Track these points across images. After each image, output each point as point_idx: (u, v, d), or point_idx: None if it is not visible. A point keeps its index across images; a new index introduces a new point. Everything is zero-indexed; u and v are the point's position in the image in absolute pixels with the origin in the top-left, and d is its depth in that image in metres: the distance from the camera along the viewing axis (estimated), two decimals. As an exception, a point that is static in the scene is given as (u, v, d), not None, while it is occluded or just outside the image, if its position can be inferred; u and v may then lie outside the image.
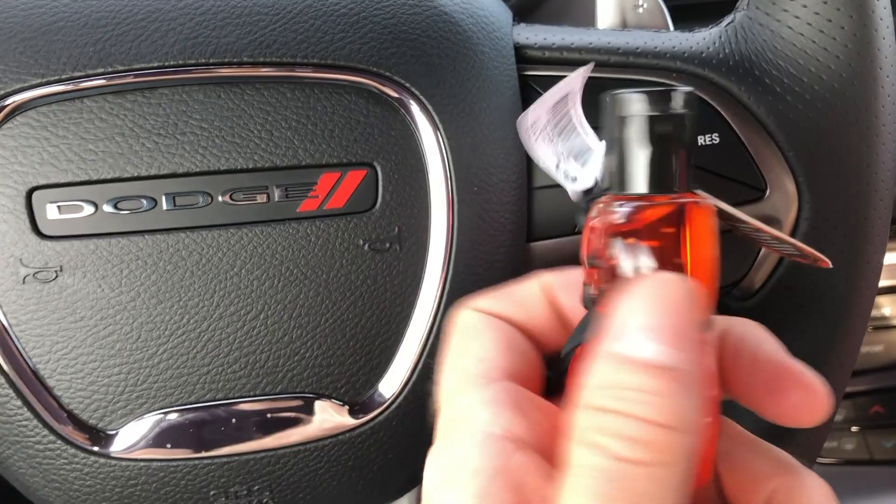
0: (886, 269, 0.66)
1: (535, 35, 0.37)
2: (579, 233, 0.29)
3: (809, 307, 0.37)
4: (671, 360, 0.21)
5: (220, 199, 0.32)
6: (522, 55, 0.36)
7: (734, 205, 0.36)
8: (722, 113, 0.36)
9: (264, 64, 0.32)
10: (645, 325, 0.22)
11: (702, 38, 0.37)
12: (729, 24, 0.37)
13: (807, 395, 0.26)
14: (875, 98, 0.35)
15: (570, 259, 0.37)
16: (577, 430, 0.22)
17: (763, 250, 0.37)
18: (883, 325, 0.66)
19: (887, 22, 0.35)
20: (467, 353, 0.27)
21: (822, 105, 0.35)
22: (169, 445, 0.33)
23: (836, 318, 0.37)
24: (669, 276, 0.22)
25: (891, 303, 0.65)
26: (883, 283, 0.65)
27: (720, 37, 0.37)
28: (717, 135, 0.36)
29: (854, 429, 0.67)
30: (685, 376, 0.21)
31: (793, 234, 0.36)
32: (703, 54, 0.36)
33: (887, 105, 0.35)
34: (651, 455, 0.21)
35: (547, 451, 0.24)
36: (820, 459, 0.66)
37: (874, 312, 0.66)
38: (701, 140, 0.35)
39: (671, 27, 0.42)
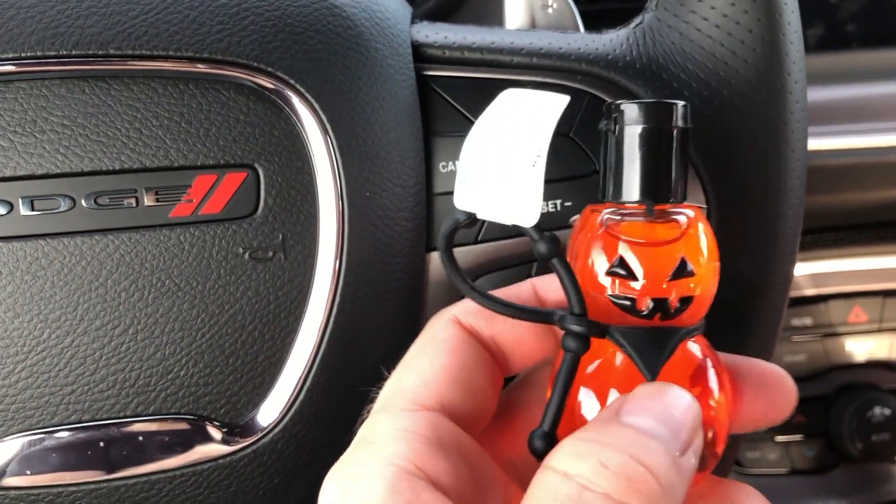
0: (811, 278, 0.65)
1: (435, 33, 0.35)
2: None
3: (719, 318, 0.36)
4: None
5: (83, 203, 0.29)
6: (421, 54, 0.34)
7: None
8: None
9: (133, 57, 0.29)
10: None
11: (609, 40, 0.35)
12: (637, 25, 0.35)
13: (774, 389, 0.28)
14: (783, 104, 0.34)
15: (471, 271, 0.35)
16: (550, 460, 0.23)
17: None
18: (804, 336, 0.65)
19: (795, 27, 0.34)
20: (414, 370, 0.26)
21: (729, 109, 0.34)
22: (29, 472, 0.30)
23: (746, 330, 0.36)
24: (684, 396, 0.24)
25: (812, 313, 0.65)
26: (805, 293, 0.64)
27: (627, 38, 0.35)
28: None
29: (778, 438, 0.66)
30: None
31: None
32: (610, 56, 0.34)
33: (796, 111, 0.34)
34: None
35: (461, 497, 0.24)
36: (744, 470, 0.66)
37: (797, 322, 0.65)
38: (607, 145, 0.34)
39: (581, 28, 0.41)
